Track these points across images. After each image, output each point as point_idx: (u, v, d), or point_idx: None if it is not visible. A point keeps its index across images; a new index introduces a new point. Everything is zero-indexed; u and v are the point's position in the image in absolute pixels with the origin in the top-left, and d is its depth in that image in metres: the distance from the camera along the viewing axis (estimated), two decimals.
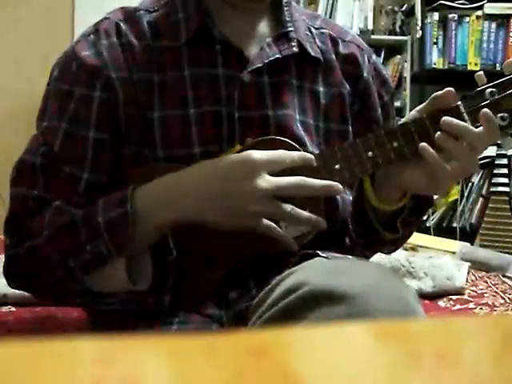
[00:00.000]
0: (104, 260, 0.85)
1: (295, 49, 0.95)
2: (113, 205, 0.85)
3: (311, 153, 0.91)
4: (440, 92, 0.87)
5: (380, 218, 0.94)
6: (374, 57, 1.05)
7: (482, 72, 0.87)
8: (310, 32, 1.00)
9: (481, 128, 0.84)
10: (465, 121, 0.85)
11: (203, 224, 0.85)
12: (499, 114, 0.85)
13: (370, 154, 0.87)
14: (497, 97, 0.86)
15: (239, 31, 0.95)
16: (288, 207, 0.83)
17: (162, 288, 0.88)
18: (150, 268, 0.86)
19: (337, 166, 0.88)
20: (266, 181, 0.82)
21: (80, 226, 0.85)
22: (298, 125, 0.94)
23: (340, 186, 0.85)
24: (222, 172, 0.84)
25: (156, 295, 0.88)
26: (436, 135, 0.85)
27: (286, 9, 0.98)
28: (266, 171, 0.82)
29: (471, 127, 0.84)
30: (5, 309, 1.26)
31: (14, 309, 1.26)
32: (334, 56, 1.00)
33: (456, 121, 0.85)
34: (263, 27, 0.98)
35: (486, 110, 0.84)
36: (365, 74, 1.01)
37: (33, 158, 0.91)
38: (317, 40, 1.00)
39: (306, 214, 0.85)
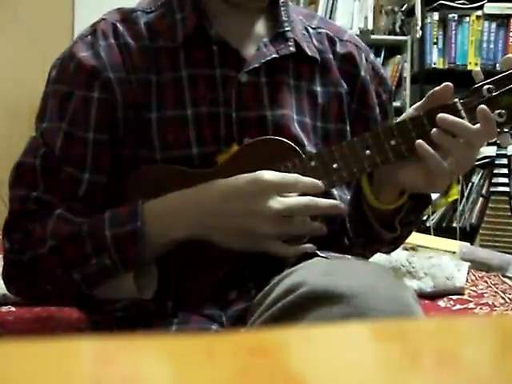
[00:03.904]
0: (110, 274, 0.85)
1: (292, 48, 0.95)
2: (121, 220, 0.84)
3: (309, 152, 0.92)
4: (438, 88, 0.87)
5: (378, 217, 0.94)
6: (371, 56, 1.05)
7: (478, 68, 0.87)
8: (307, 32, 1.00)
9: (478, 125, 0.84)
10: (462, 118, 0.85)
11: (213, 243, 0.85)
12: (496, 111, 0.85)
13: (367, 152, 0.87)
14: (494, 93, 0.86)
15: (236, 31, 0.96)
16: (295, 225, 0.85)
17: (165, 293, 0.88)
18: (155, 276, 0.87)
19: (334, 166, 0.88)
20: (277, 201, 0.83)
21: (85, 238, 0.85)
22: (296, 124, 0.94)
23: (343, 205, 0.88)
24: (233, 191, 0.84)
25: (159, 301, 0.87)
26: (432, 132, 0.85)
27: (282, 9, 0.98)
28: (277, 192, 0.83)
29: (468, 124, 0.84)
30: (5, 309, 1.26)
31: (13, 309, 1.26)
32: (331, 55, 1.00)
33: (452, 117, 0.84)
34: (260, 27, 0.98)
35: (483, 106, 0.84)
36: (362, 73, 1.01)
37: (32, 160, 0.91)
38: (314, 40, 1.00)
39: (310, 226, 0.86)
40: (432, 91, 0.87)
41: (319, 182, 0.86)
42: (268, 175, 0.83)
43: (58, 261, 0.86)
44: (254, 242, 0.85)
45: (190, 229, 0.85)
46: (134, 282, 0.85)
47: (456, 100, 0.86)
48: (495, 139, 0.89)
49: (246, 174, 0.84)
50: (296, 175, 0.86)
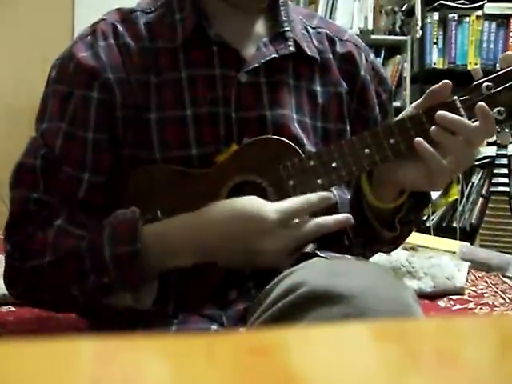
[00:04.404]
0: (108, 292, 0.85)
1: (292, 48, 0.95)
2: (120, 239, 0.84)
3: (308, 151, 0.92)
4: (436, 86, 0.87)
5: (378, 216, 0.94)
6: (371, 55, 1.05)
7: (478, 66, 0.87)
8: (307, 31, 1.00)
9: (477, 122, 0.84)
10: (461, 115, 0.85)
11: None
12: (496, 109, 0.85)
13: (366, 151, 0.87)
14: (493, 91, 0.86)
15: (236, 31, 0.95)
16: (301, 240, 0.85)
17: (166, 295, 0.88)
18: (155, 287, 0.87)
19: (334, 165, 0.88)
20: (284, 238, 0.83)
21: (85, 255, 0.85)
22: (296, 124, 0.94)
23: (350, 216, 0.87)
24: (234, 229, 0.84)
25: (160, 304, 0.87)
26: (431, 129, 0.85)
27: (282, 8, 0.98)
28: (282, 227, 0.83)
29: (466, 121, 0.84)
30: (5, 309, 1.26)
31: (13, 309, 1.26)
32: (331, 55, 1.00)
33: (451, 115, 0.84)
34: (260, 27, 0.98)
35: (481, 103, 0.84)
36: (362, 73, 1.01)
37: (33, 161, 0.91)
38: (314, 39, 1.00)
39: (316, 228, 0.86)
40: (430, 89, 0.87)
41: (329, 194, 0.87)
42: (271, 214, 0.83)
43: (57, 275, 0.86)
44: (258, 266, 0.86)
45: (191, 259, 0.86)
46: (130, 298, 0.85)
47: (455, 98, 0.86)
48: (495, 139, 0.89)
49: (249, 207, 0.84)
50: (303, 198, 0.85)
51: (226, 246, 0.84)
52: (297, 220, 0.84)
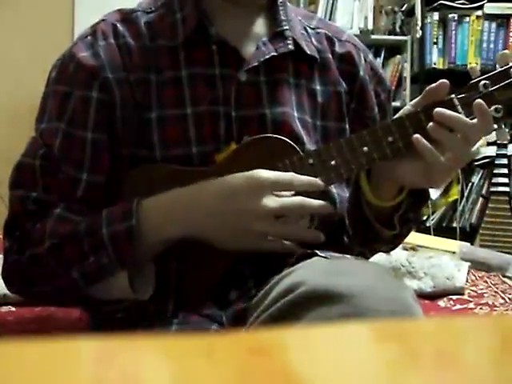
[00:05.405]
0: (107, 272, 0.85)
1: (291, 47, 0.95)
2: (117, 218, 0.85)
3: (308, 150, 0.92)
4: (433, 85, 0.87)
5: (377, 214, 0.94)
6: (370, 56, 1.05)
7: (475, 65, 0.88)
8: (306, 31, 1.00)
9: (475, 120, 0.84)
10: (459, 113, 0.85)
11: (208, 242, 0.86)
12: (493, 106, 0.85)
13: (365, 149, 0.88)
14: (490, 89, 0.86)
15: (235, 31, 0.96)
16: (290, 225, 0.85)
17: (166, 294, 0.88)
18: (153, 277, 0.87)
19: (332, 162, 0.88)
20: (271, 200, 0.83)
21: (83, 237, 0.85)
22: (297, 122, 0.94)
23: (331, 206, 0.89)
24: (228, 190, 0.84)
25: (160, 302, 0.87)
26: (428, 126, 0.85)
27: (281, 8, 0.99)
28: (272, 191, 0.84)
29: (464, 118, 0.84)
30: (5, 309, 1.26)
31: (13, 309, 1.26)
32: (330, 55, 1.00)
33: (449, 111, 0.85)
34: (259, 26, 0.98)
35: (479, 100, 0.84)
36: (361, 73, 1.01)
37: (32, 161, 0.91)
38: (313, 39, 1.00)
39: (306, 231, 0.87)
40: (428, 88, 0.88)
41: (317, 180, 0.87)
42: (263, 173, 0.84)
43: (56, 259, 0.86)
44: (249, 240, 0.85)
45: (184, 228, 0.85)
46: (128, 283, 0.85)
47: (453, 96, 0.86)
48: (495, 138, 0.90)
49: (241, 173, 0.84)
50: (292, 174, 0.86)
51: (220, 211, 0.84)
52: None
